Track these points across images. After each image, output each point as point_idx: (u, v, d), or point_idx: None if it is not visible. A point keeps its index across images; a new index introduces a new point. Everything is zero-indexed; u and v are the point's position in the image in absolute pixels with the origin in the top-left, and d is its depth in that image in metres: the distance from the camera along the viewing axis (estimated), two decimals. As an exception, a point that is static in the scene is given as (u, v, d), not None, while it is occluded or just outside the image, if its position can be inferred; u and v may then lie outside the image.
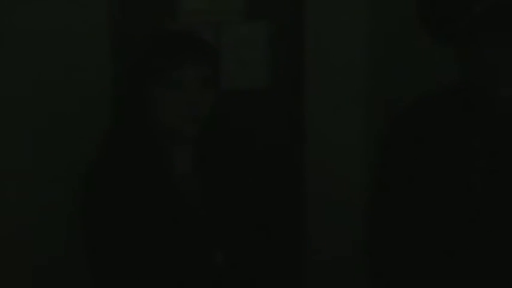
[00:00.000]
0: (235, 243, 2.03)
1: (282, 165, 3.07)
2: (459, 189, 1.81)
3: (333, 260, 3.11)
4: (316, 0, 3.01)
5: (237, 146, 2.13)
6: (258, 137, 3.00)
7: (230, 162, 2.08)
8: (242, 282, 2.06)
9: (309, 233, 3.11)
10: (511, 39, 1.69)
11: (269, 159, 2.83)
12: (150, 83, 1.97)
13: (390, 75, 3.06)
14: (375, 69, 3.08)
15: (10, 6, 2.72)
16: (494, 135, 1.81)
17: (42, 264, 2.82)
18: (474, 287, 1.83)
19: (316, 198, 3.09)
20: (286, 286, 2.87)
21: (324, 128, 3.10)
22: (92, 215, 1.97)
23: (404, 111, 1.91)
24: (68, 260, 2.78)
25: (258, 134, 3.04)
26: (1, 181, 2.77)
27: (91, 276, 2.00)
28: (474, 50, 1.72)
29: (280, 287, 2.19)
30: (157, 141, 1.99)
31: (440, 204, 1.82)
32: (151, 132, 1.99)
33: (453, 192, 1.81)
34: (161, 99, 1.95)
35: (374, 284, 1.96)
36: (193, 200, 2.01)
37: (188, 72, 1.93)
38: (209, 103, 1.96)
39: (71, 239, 2.71)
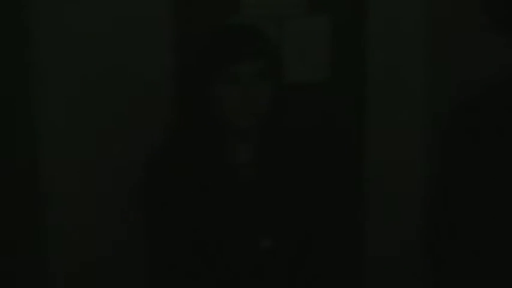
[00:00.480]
0: (283, 230, 2.06)
1: (340, 161, 3.08)
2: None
3: (389, 259, 3.11)
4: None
5: (295, 139, 2.16)
6: (316, 132, 3.02)
7: (288, 154, 2.12)
8: (288, 269, 2.09)
9: (367, 230, 3.11)
10: None
11: (327, 155, 2.84)
12: (209, 78, 2.01)
13: (450, 73, 3.04)
14: (435, 67, 3.06)
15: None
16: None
17: (106, 252, 2.88)
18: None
19: (376, 196, 3.10)
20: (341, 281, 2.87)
21: (383, 124, 3.09)
22: (153, 199, 2.04)
23: (464, 104, 1.91)
24: (129, 249, 2.83)
25: (316, 128, 3.06)
26: (65, 178, 2.82)
27: (148, 257, 2.06)
28: None
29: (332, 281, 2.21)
30: (217, 133, 2.04)
31: (504, 199, 1.81)
32: (211, 124, 2.05)
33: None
34: (220, 93, 2.01)
35: (437, 281, 1.96)
36: (248, 187, 2.06)
37: (245, 67, 1.98)
38: (267, 97, 2.00)
39: (131, 230, 2.77)
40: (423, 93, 3.07)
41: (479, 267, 1.87)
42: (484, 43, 2.82)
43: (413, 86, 3.08)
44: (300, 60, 3.02)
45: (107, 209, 2.85)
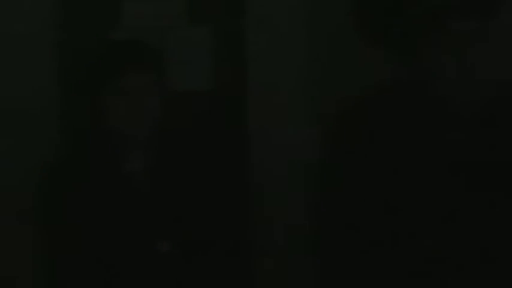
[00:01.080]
0: (181, 233, 2.14)
1: (226, 164, 3.15)
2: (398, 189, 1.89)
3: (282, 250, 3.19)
4: (256, 4, 3.10)
5: (183, 144, 2.25)
6: (202, 138, 3.09)
7: (177, 159, 2.20)
8: (188, 271, 2.16)
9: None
10: (449, 39, 1.78)
11: (212, 159, 2.92)
12: (98, 91, 2.09)
13: (330, 77, 3.16)
14: (315, 70, 3.17)
15: None
16: (432, 133, 1.90)
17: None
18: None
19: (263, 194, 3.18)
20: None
21: (266, 128, 3.18)
22: (48, 213, 2.08)
23: (346, 110, 1.99)
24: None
25: (202, 134, 3.12)
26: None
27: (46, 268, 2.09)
28: (412, 51, 1.82)
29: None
30: (108, 142, 2.11)
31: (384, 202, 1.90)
32: (102, 133, 2.11)
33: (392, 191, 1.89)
34: (109, 104, 2.08)
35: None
36: (143, 193, 2.15)
37: (131, 79, 2.06)
38: (154, 105, 2.09)
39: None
40: (304, 97, 3.17)
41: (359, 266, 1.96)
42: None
43: (294, 92, 3.18)
44: (183, 71, 3.08)
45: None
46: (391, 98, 1.95)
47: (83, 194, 2.09)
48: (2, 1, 2.81)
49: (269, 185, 3.18)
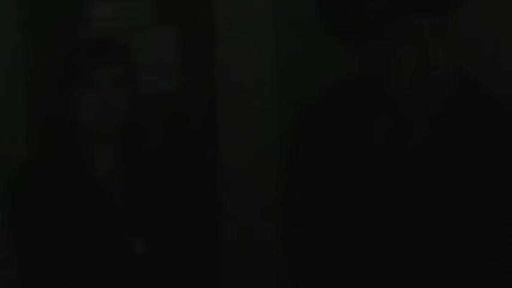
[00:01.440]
0: (154, 233, 2.15)
1: (195, 163, 3.18)
2: (362, 182, 1.92)
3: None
4: (222, 4, 3.12)
5: (153, 144, 2.26)
6: (172, 137, 3.11)
7: (150, 157, 2.21)
8: (163, 272, 2.18)
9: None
10: (409, 34, 1.82)
11: (182, 157, 2.94)
12: (67, 85, 2.10)
13: (298, 73, 3.19)
14: (284, 67, 3.20)
15: None
16: (395, 125, 1.93)
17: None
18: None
19: (232, 190, 3.20)
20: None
21: (236, 127, 3.21)
22: (17, 214, 2.08)
23: (312, 104, 2.03)
24: None
25: (172, 134, 3.14)
26: None
27: (18, 273, 2.09)
28: (374, 46, 1.85)
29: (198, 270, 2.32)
30: (77, 141, 2.12)
31: (349, 194, 1.94)
32: (72, 132, 2.12)
33: (357, 185, 1.92)
34: (79, 99, 2.09)
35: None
36: (114, 195, 2.15)
37: (102, 72, 2.07)
38: (124, 102, 2.10)
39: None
40: (274, 96, 3.20)
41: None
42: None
43: (262, 88, 3.21)
44: (151, 71, 3.10)
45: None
46: (348, 94, 1.99)
47: (54, 193, 2.10)
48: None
49: (237, 184, 3.20)
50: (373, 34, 1.85)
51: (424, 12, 1.83)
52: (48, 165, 2.13)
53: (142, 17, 3.09)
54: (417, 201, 1.90)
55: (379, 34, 1.84)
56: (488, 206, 1.91)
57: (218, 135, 3.21)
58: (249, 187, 3.21)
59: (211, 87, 3.20)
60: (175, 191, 2.26)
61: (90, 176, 2.14)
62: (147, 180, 2.20)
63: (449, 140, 1.92)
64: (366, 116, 1.93)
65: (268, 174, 3.21)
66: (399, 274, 1.92)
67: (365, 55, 1.90)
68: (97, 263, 2.10)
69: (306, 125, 2.00)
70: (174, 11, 3.13)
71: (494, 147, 1.91)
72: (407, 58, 1.83)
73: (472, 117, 1.93)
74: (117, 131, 2.13)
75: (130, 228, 2.15)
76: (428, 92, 1.86)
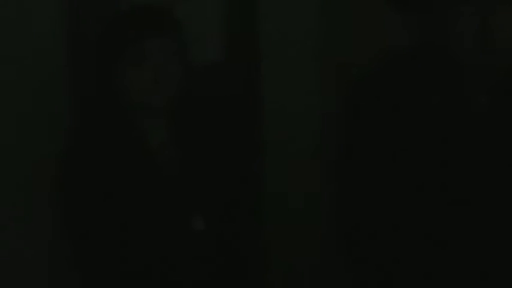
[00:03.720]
0: (215, 209, 2.13)
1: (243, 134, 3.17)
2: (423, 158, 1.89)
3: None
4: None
5: (208, 114, 2.23)
6: (222, 108, 3.10)
7: (202, 131, 2.18)
8: (223, 249, 2.15)
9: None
10: (472, 2, 1.79)
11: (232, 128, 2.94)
12: (117, 60, 2.05)
13: (344, 43, 3.16)
14: (329, 41, 3.18)
15: None
16: (456, 95, 1.90)
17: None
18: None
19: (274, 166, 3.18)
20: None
21: (280, 99, 3.19)
22: (70, 191, 2.06)
23: (367, 76, 2.00)
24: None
25: (221, 104, 3.13)
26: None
27: (71, 254, 2.08)
28: (436, 14, 1.82)
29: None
30: (128, 115, 2.08)
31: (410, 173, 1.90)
32: (123, 107, 2.08)
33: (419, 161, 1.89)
34: (128, 74, 2.05)
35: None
36: (169, 167, 2.12)
37: (153, 43, 2.02)
38: (175, 74, 2.06)
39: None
40: (319, 63, 3.18)
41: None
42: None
43: (306, 61, 3.18)
44: (194, 42, 3.08)
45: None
46: (410, 63, 1.96)
47: (108, 170, 2.06)
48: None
49: (283, 154, 3.19)
50: (435, 1, 1.82)
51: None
52: (101, 142, 2.08)
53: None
54: (480, 174, 1.87)
55: (441, 1, 1.81)
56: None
57: (262, 109, 3.20)
58: (296, 158, 3.19)
59: (254, 58, 3.18)
60: (225, 165, 2.23)
61: (144, 150, 2.10)
62: (200, 153, 2.17)
63: (509, 112, 1.90)
64: (426, 87, 1.91)
65: (310, 151, 3.20)
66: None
67: (425, 24, 1.88)
68: (155, 239, 2.07)
69: (363, 98, 1.97)
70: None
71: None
72: (470, 26, 1.80)
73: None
74: (169, 104, 2.08)
75: (187, 203, 2.12)
76: (491, 61, 1.83)
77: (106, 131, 2.09)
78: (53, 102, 2.81)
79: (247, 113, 3.21)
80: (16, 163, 2.79)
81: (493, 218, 1.89)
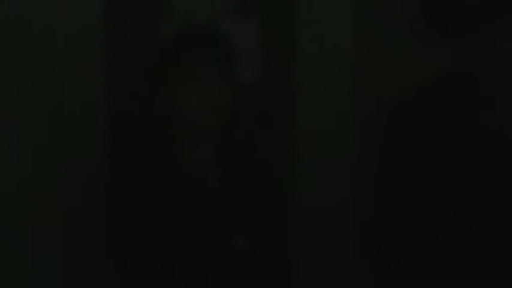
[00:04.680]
0: (256, 228, 2.17)
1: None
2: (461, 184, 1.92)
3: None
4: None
5: (251, 135, 2.27)
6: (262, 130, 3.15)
7: (247, 150, 2.22)
8: (264, 268, 2.19)
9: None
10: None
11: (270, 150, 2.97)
12: (170, 80, 2.10)
13: (380, 74, 3.21)
14: (363, 67, 3.22)
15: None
16: (496, 121, 1.93)
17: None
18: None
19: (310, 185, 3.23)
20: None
21: (314, 124, 3.24)
22: (117, 204, 2.10)
23: (403, 102, 2.04)
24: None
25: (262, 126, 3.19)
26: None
27: (110, 267, 2.12)
28: (478, 40, 1.87)
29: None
30: (177, 134, 2.13)
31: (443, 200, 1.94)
32: (171, 125, 2.13)
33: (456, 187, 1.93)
34: (181, 94, 2.09)
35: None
36: (213, 185, 2.17)
37: (206, 67, 2.07)
38: (226, 95, 2.11)
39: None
40: (351, 93, 3.23)
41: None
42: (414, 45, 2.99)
43: (341, 85, 3.23)
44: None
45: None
46: (446, 90, 2.00)
47: (152, 188, 2.10)
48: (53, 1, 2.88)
49: (317, 177, 3.24)
50: (477, 28, 1.86)
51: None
52: (145, 160, 2.13)
53: (223, 9, 3.13)
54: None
55: (484, 28, 1.86)
56: None
57: (296, 130, 3.24)
58: (326, 183, 3.24)
59: (290, 80, 3.23)
60: (264, 183, 2.28)
61: (192, 168, 2.17)
62: (243, 171, 2.22)
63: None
64: (466, 113, 1.94)
65: (345, 172, 3.24)
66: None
67: (466, 50, 1.92)
68: (198, 256, 2.11)
69: (401, 123, 2.01)
70: (255, 1, 3.17)
71: None
72: (510, 53, 1.85)
73: None
74: (217, 124, 2.15)
75: (230, 221, 2.17)
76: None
77: (152, 150, 2.15)
78: (92, 120, 2.89)
79: (284, 132, 3.27)
80: (57, 177, 2.88)
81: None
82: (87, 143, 2.83)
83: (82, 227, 2.77)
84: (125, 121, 2.75)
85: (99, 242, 2.27)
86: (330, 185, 3.23)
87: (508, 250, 1.91)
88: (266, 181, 2.28)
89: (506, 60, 1.86)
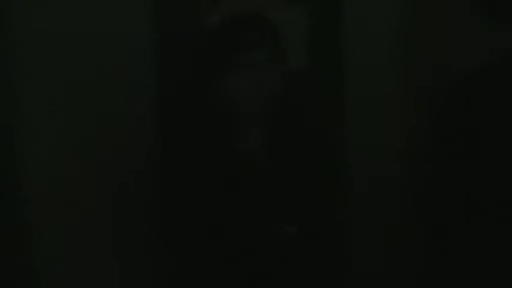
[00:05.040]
0: (306, 216, 2.17)
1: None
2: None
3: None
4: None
5: (302, 122, 2.27)
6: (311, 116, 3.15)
7: (297, 136, 2.22)
8: (313, 256, 2.20)
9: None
10: None
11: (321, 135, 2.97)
12: (219, 68, 2.11)
13: (428, 57, 3.20)
14: (412, 48, 3.21)
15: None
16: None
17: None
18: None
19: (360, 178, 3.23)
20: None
21: (366, 109, 3.24)
22: (168, 191, 2.12)
23: (463, 81, 2.03)
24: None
25: (311, 112, 3.19)
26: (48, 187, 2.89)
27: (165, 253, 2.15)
28: None
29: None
30: (227, 120, 2.14)
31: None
32: (222, 112, 2.14)
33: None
34: (231, 82, 2.10)
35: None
36: (263, 172, 2.19)
37: (255, 54, 2.08)
38: (276, 82, 2.11)
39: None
40: (401, 74, 3.22)
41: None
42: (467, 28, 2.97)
43: (389, 70, 3.22)
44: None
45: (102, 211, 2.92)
46: (502, 72, 1.98)
47: (203, 172, 2.12)
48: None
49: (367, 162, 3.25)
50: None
51: None
52: (198, 145, 2.14)
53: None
54: None
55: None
56: None
57: (343, 117, 3.24)
58: (378, 175, 3.23)
59: (337, 68, 3.23)
60: (314, 169, 2.28)
61: (241, 154, 2.20)
62: (292, 159, 2.21)
63: None
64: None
65: (391, 159, 3.23)
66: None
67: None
68: (247, 245, 2.12)
69: (459, 104, 2.00)
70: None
71: None
72: None
73: None
74: (266, 110, 2.13)
75: (279, 207, 2.17)
76: None
77: (202, 135, 2.16)
78: (141, 108, 2.91)
79: (331, 120, 3.27)
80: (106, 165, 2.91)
81: None
82: (138, 133, 2.87)
83: (134, 208, 2.81)
84: (177, 109, 2.77)
85: (151, 222, 2.28)
86: (381, 168, 3.23)
87: None
88: (316, 167, 2.28)
89: None
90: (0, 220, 2.86)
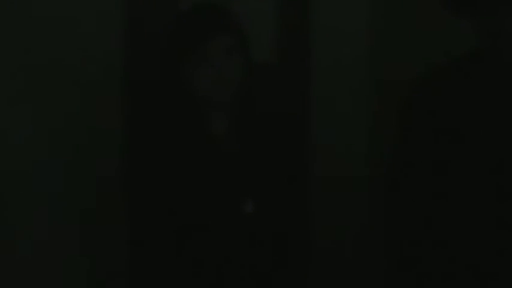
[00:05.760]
0: (266, 193, 2.28)
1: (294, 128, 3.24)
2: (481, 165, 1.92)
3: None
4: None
5: (264, 109, 2.33)
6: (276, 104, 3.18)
7: (259, 121, 2.28)
8: (272, 233, 2.28)
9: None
10: None
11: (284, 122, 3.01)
12: (184, 58, 2.14)
13: (394, 50, 3.22)
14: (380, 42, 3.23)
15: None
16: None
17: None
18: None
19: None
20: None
21: (330, 104, 3.26)
22: (137, 173, 2.22)
23: (422, 82, 2.04)
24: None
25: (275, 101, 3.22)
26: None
27: (130, 228, 2.24)
28: (496, 20, 1.86)
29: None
30: (192, 107, 2.19)
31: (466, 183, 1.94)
32: (190, 99, 2.18)
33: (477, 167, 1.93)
34: (192, 72, 2.14)
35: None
36: (228, 153, 2.27)
37: (215, 44, 2.12)
38: (237, 70, 2.15)
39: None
40: (367, 71, 3.24)
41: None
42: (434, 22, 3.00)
43: (358, 63, 3.24)
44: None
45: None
46: (465, 69, 2.00)
47: (169, 157, 2.19)
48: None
49: (329, 156, 3.26)
50: (494, 6, 1.86)
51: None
52: (165, 131, 2.22)
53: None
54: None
55: (501, 6, 1.85)
56: None
57: (311, 110, 3.27)
58: (340, 160, 3.25)
59: (306, 59, 3.25)
60: (279, 156, 2.32)
61: (208, 137, 2.23)
62: (256, 142, 2.30)
63: None
64: (486, 92, 1.94)
65: (359, 150, 3.26)
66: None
67: (484, 29, 1.91)
68: (208, 221, 2.20)
69: (420, 102, 2.02)
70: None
71: None
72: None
73: None
74: (232, 99, 2.21)
75: (241, 188, 2.24)
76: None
77: (173, 120, 2.23)
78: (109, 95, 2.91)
79: (299, 110, 3.29)
80: (78, 158, 2.91)
81: None
82: (106, 116, 2.90)
83: (103, 189, 2.86)
84: (145, 93, 2.80)
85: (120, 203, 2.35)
86: (345, 155, 3.26)
87: None
88: (279, 150, 2.33)
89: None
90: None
